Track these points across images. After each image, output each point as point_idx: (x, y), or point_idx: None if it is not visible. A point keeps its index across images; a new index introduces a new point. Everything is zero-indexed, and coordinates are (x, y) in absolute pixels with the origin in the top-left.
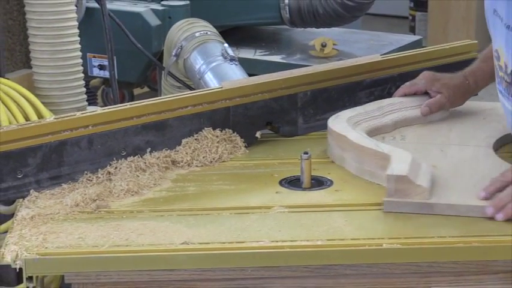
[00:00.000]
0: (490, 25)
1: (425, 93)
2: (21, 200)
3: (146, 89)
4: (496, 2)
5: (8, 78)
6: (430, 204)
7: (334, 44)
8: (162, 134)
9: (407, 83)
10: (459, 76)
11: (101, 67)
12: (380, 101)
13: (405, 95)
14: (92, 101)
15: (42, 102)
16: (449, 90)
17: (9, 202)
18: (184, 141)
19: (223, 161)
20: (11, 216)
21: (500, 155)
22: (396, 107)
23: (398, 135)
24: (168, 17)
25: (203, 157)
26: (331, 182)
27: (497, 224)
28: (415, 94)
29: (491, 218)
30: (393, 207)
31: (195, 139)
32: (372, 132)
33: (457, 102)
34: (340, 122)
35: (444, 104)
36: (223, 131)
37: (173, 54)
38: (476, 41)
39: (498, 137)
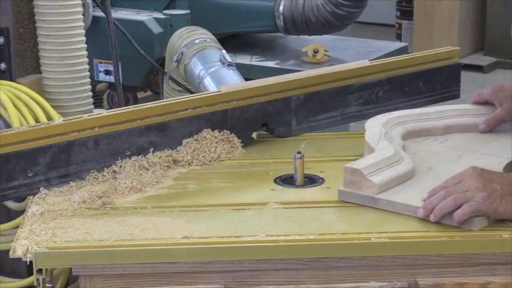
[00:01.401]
0: None
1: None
2: (31, 197)
3: (149, 92)
4: None
5: (19, 83)
6: (375, 199)
7: (325, 51)
8: (164, 135)
9: (476, 91)
10: None
11: (107, 72)
12: (447, 105)
13: (476, 103)
14: (98, 104)
15: (51, 105)
16: (509, 102)
17: (20, 199)
18: (184, 141)
19: (222, 160)
20: (21, 212)
21: None
22: (458, 113)
23: (443, 138)
24: (170, 25)
25: (203, 156)
26: (323, 180)
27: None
28: (485, 103)
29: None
30: (346, 197)
31: (195, 140)
32: (417, 133)
33: None
34: (377, 120)
35: (503, 117)
36: (222, 132)
37: (174, 60)
38: (459, 48)
39: None
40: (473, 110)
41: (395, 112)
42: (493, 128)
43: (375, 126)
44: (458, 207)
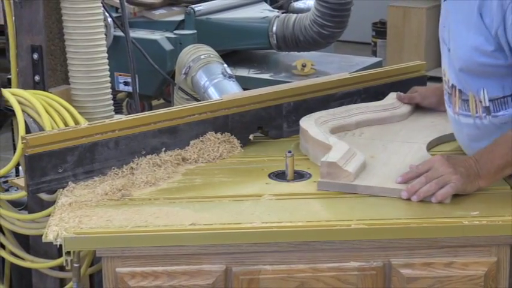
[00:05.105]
0: (441, 50)
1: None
2: (61, 190)
3: (162, 100)
4: (443, 31)
5: (51, 92)
6: (353, 185)
7: (312, 65)
8: (174, 136)
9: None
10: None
11: (126, 83)
12: (350, 105)
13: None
14: (118, 110)
15: (78, 112)
16: (422, 88)
17: (52, 192)
18: (192, 142)
19: (223, 158)
20: (53, 203)
21: (432, 151)
22: (362, 110)
23: (359, 132)
24: (179, 43)
25: (207, 155)
26: (310, 175)
27: (442, 208)
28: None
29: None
30: (325, 187)
31: (201, 141)
32: (337, 129)
33: (428, 98)
34: (309, 121)
35: (414, 97)
36: (223, 134)
37: (183, 72)
38: (425, 62)
39: (435, 137)
40: (372, 107)
41: (313, 114)
42: (402, 101)
43: (310, 126)
44: (439, 189)
